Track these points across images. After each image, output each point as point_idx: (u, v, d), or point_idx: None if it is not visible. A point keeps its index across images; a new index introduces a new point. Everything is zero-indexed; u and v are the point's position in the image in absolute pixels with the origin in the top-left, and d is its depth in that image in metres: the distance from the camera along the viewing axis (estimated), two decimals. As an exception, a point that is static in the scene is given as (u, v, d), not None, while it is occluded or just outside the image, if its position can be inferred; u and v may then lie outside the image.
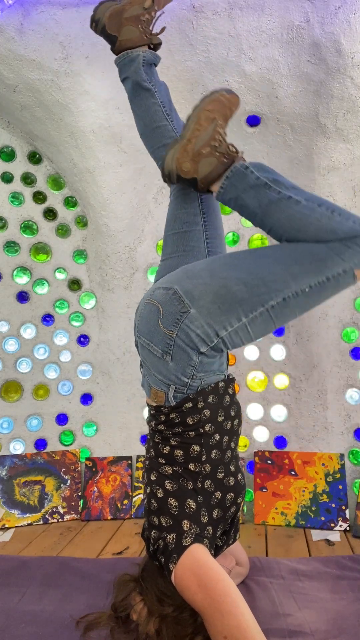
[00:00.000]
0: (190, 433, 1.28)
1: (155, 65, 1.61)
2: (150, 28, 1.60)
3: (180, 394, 1.29)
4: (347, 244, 1.21)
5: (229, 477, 1.33)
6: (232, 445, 1.36)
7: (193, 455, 1.27)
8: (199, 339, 1.25)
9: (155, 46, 1.61)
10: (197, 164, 1.37)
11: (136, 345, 1.40)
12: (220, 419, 1.31)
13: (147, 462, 1.35)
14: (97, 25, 1.59)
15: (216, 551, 1.33)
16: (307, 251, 1.25)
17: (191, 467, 1.27)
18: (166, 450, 1.29)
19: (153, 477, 1.29)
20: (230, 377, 1.39)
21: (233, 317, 1.25)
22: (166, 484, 1.26)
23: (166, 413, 1.30)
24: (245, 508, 2.13)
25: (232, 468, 1.35)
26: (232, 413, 1.35)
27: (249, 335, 1.29)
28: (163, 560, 1.18)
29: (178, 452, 1.28)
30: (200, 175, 1.37)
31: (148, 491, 1.29)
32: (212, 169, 1.36)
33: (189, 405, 1.27)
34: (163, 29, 1.61)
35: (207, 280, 1.27)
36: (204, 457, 1.27)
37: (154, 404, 1.33)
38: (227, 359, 1.43)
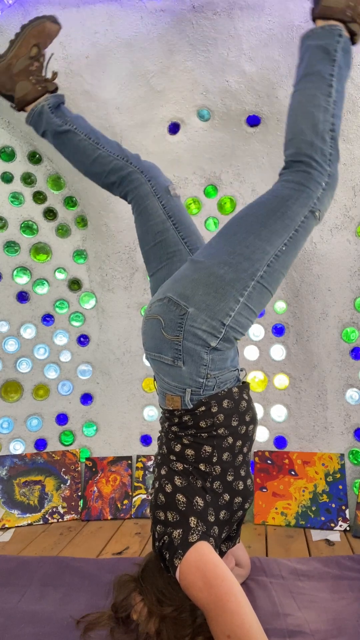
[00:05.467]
0: (203, 434, 1.28)
1: (64, 104, 1.67)
2: (43, 74, 1.66)
3: (196, 396, 1.28)
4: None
5: (238, 481, 1.32)
6: (245, 450, 1.35)
7: (204, 456, 1.27)
8: (207, 334, 1.25)
9: (54, 91, 1.66)
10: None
11: (147, 359, 1.40)
12: (235, 423, 1.31)
13: (159, 458, 1.35)
14: None
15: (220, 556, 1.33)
16: (267, 211, 1.27)
17: (201, 467, 1.27)
18: (178, 448, 1.29)
19: (163, 472, 1.29)
20: (245, 382, 1.39)
21: (231, 300, 1.25)
22: (175, 479, 1.26)
23: (179, 416, 1.29)
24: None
25: (243, 473, 1.34)
26: (248, 419, 1.35)
27: (251, 311, 1.29)
28: (167, 555, 1.17)
29: (189, 452, 1.28)
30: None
31: (156, 485, 1.29)
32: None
33: (202, 408, 1.27)
34: (55, 75, 1.68)
35: (194, 276, 1.28)
36: (215, 459, 1.27)
37: (169, 408, 1.32)
38: (237, 354, 1.43)
